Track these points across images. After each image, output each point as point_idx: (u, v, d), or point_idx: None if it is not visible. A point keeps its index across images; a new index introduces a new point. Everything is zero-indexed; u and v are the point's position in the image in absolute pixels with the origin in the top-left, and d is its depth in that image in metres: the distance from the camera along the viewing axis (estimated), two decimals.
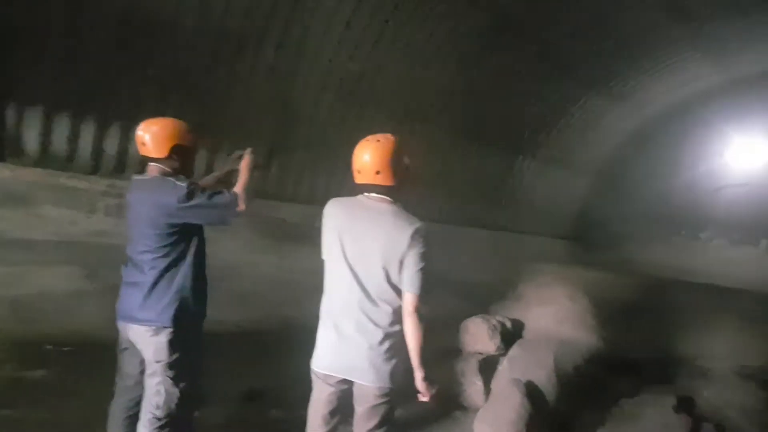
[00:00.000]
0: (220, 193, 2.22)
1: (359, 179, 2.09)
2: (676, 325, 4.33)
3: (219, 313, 4.72)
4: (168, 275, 2.24)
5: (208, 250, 2.47)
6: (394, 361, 2.04)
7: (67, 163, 5.00)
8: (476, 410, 3.65)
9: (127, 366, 2.42)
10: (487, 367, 4.00)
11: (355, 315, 2.05)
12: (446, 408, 3.88)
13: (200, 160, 5.17)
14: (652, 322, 4.34)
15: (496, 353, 4.11)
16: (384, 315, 2.03)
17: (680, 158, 10.58)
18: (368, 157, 2.03)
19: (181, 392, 2.27)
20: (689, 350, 4.14)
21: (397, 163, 2.04)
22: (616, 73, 8.51)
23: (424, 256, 2.00)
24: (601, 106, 9.31)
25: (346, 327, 2.06)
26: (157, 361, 2.25)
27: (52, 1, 4.34)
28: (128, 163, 5.19)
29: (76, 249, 4.93)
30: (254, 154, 2.39)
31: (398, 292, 2.03)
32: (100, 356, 2.79)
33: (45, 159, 4.84)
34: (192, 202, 2.16)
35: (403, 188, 2.09)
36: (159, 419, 2.25)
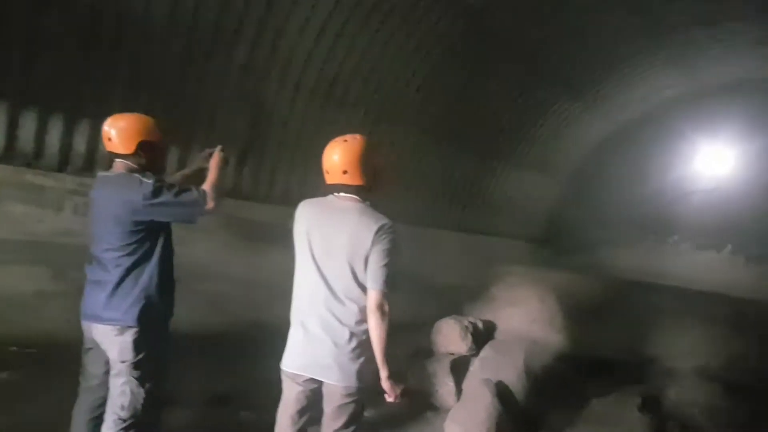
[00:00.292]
0: (187, 190, 2.20)
1: (328, 179, 2.11)
2: (643, 326, 4.44)
3: (191, 314, 4.67)
4: (133, 274, 2.21)
5: (180, 250, 2.44)
6: (361, 360, 2.04)
7: (34, 159, 4.87)
8: (448, 410, 3.68)
9: (91, 366, 2.37)
10: (459, 367, 4.04)
11: (321, 314, 2.05)
12: (418, 408, 3.90)
13: (172, 157, 5.10)
14: (620, 323, 4.44)
15: (468, 354, 4.15)
16: (350, 314, 2.04)
17: (650, 164, 10.87)
18: (336, 157, 2.05)
19: (146, 393, 2.24)
20: (655, 351, 4.25)
21: (365, 163, 2.05)
22: (589, 79, 8.70)
23: (389, 253, 2.01)
24: (575, 111, 9.51)
25: (313, 326, 2.07)
26: (122, 362, 2.21)
27: None
28: (98, 160, 5.08)
29: (43, 248, 4.80)
30: (224, 152, 2.37)
31: (365, 290, 2.04)
32: (65, 357, 2.73)
33: (10, 155, 4.71)
34: (158, 200, 2.13)
35: (373, 188, 2.11)
36: (124, 420, 2.22)
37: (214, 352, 4.25)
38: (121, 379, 2.22)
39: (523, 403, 3.73)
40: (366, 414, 3.69)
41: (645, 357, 4.22)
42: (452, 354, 4.15)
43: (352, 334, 2.03)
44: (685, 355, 4.18)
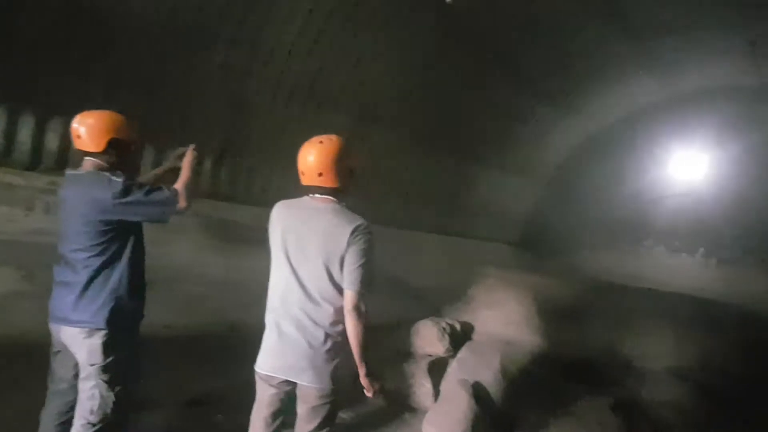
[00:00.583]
0: (158, 189, 2.16)
1: (304, 180, 2.10)
2: (617, 328, 4.52)
3: (167, 316, 4.61)
4: (103, 275, 2.16)
5: (156, 251, 2.40)
6: (335, 362, 2.04)
7: (4, 157, 4.74)
8: (425, 411, 3.69)
9: (59, 370, 2.32)
10: (437, 369, 4.06)
11: (295, 315, 2.05)
12: (395, 409, 3.91)
13: (147, 156, 5.01)
14: (594, 324, 4.51)
15: (446, 355, 4.17)
16: (325, 315, 2.03)
17: (625, 169, 11.09)
18: (311, 158, 2.04)
19: (116, 396, 2.19)
20: (629, 352, 4.33)
21: (340, 165, 2.05)
22: (566, 85, 8.84)
23: (365, 254, 2.01)
24: (552, 116, 9.65)
25: (287, 327, 2.06)
26: (91, 365, 2.16)
27: None
28: (71, 159, 4.97)
29: (13, 248, 4.68)
30: (197, 151, 2.34)
31: (340, 291, 2.04)
32: (34, 360, 2.65)
33: None
34: (128, 198, 2.09)
35: (348, 190, 2.11)
36: (93, 425, 2.17)
37: (190, 353, 4.19)
38: (90, 383, 2.17)
39: (499, 403, 3.76)
40: (343, 415, 3.70)
41: (618, 358, 4.29)
42: (430, 355, 4.17)
43: (326, 336, 2.03)
44: (658, 356, 4.27)
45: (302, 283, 2.04)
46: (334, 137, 2.10)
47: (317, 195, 2.10)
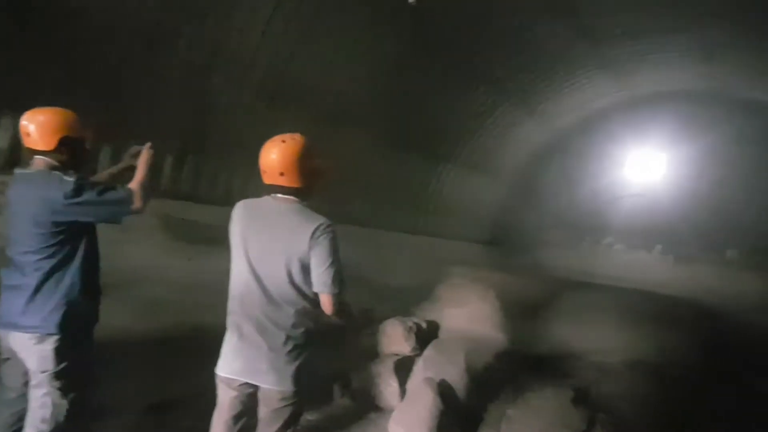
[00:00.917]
0: (112, 189, 2.10)
1: (265, 180, 2.07)
2: (577, 323, 4.64)
3: (127, 319, 4.47)
4: (54, 278, 2.08)
5: (114, 252, 2.33)
6: (297, 364, 2.02)
7: None
8: (392, 411, 3.70)
9: (8, 378, 2.22)
10: (404, 368, 4.08)
11: (256, 317, 2.02)
12: (362, 409, 3.91)
13: (105, 155, 4.85)
14: (556, 320, 4.63)
15: (412, 354, 4.20)
16: (286, 316, 2.01)
17: (586, 169, 11.41)
18: (274, 157, 2.02)
19: (70, 404, 2.12)
20: (588, 346, 4.45)
21: (303, 164, 2.03)
22: (530, 87, 9.03)
23: (330, 253, 1.99)
24: (517, 117, 9.84)
25: (248, 329, 2.03)
26: (42, 372, 2.08)
27: None
28: (24, 159, 4.76)
29: None
30: (153, 150, 2.28)
31: (302, 293, 2.02)
32: None
33: None
34: (80, 198, 2.02)
35: (311, 190, 2.09)
36: None
37: (151, 357, 4.08)
38: (42, 390, 2.09)
39: (464, 400, 3.80)
40: (309, 417, 3.68)
41: (578, 352, 4.41)
42: (396, 354, 4.19)
43: (288, 338, 2.01)
44: (616, 349, 4.40)
45: (263, 284, 2.01)
46: (297, 136, 2.08)
47: (279, 195, 2.07)
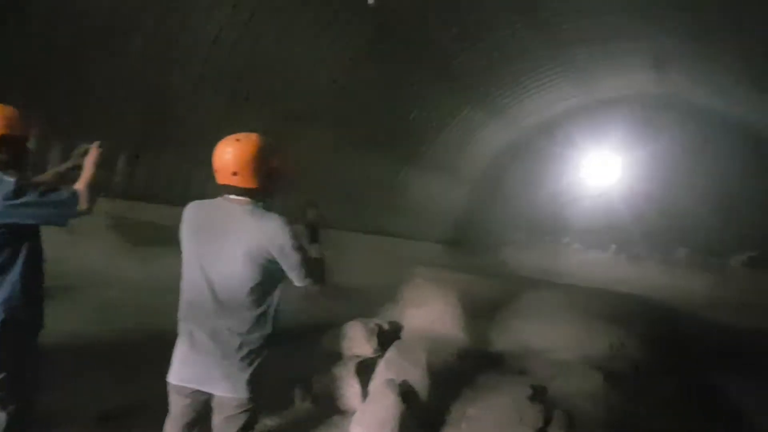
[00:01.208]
0: (55, 190, 2.00)
1: (218, 180, 2.01)
2: (535, 321, 4.75)
3: (79, 323, 4.30)
4: None
5: (64, 254, 2.24)
6: (252, 369, 1.98)
7: None
8: (354, 413, 3.69)
9: None
10: (366, 369, 4.06)
11: (209, 323, 1.96)
12: (324, 412, 3.88)
13: (54, 154, 4.63)
14: (514, 318, 4.73)
15: (374, 355, 4.19)
16: (241, 322, 1.96)
17: (546, 171, 11.71)
18: (227, 156, 1.96)
19: (9, 415, 2.01)
20: (545, 343, 4.56)
21: (258, 164, 1.98)
22: (493, 89, 9.18)
23: (295, 248, 1.97)
24: (480, 119, 9.99)
25: (200, 336, 1.97)
26: None
27: None
28: None
29: None
30: (101, 149, 2.19)
31: (258, 297, 1.98)
32: None
33: None
34: (21, 200, 1.91)
35: (267, 191, 2.04)
36: None
37: (104, 364, 3.94)
38: None
39: (426, 400, 3.82)
40: (269, 422, 3.62)
41: (536, 349, 4.51)
42: (358, 356, 4.17)
43: (242, 343, 1.96)
44: (571, 346, 4.52)
45: (216, 289, 1.96)
46: (253, 135, 2.03)
47: (232, 196, 2.02)
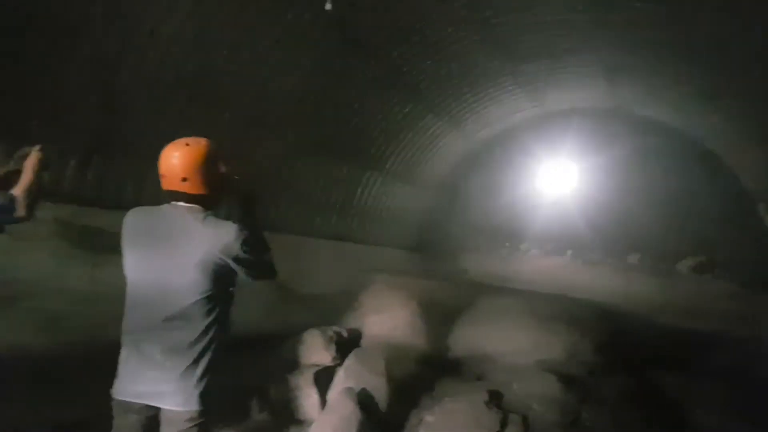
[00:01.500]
0: None
1: (165, 185, 1.95)
2: (493, 326, 4.84)
3: (21, 336, 4.07)
4: None
5: (8, 263, 2.11)
6: (204, 381, 1.92)
7: None
8: (312, 423, 3.65)
9: None
10: (324, 378, 4.03)
11: (159, 334, 1.90)
12: (281, 423, 3.81)
13: None
14: (473, 324, 4.79)
15: (333, 364, 4.16)
16: (193, 332, 1.91)
17: (504, 179, 11.98)
18: (175, 162, 1.91)
19: None
20: (501, 348, 4.64)
21: (207, 170, 1.93)
22: (452, 99, 9.33)
23: (253, 251, 1.96)
24: (441, 128, 10.12)
25: (149, 348, 1.90)
26: None
27: None
28: None
29: None
30: (42, 153, 2.09)
31: (212, 306, 1.93)
32: None
33: None
34: None
35: (217, 198, 2.00)
36: None
37: (51, 376, 3.76)
38: None
39: (385, 408, 3.82)
40: None
41: (493, 354, 4.59)
42: (317, 365, 4.13)
43: (194, 354, 1.90)
44: (527, 350, 4.62)
45: (167, 300, 1.89)
46: (202, 140, 1.98)
47: (180, 203, 1.96)
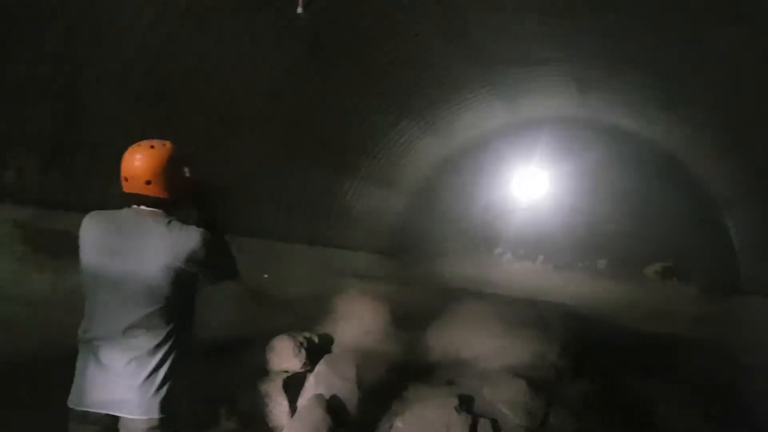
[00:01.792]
0: None
1: (127, 188, 1.90)
2: (464, 331, 4.86)
3: None
4: None
5: None
6: (165, 389, 1.88)
7: None
8: (281, 431, 3.61)
9: None
10: (294, 385, 4.00)
11: (121, 342, 1.85)
12: (250, 431, 3.76)
13: None
14: (444, 329, 4.81)
15: (303, 370, 4.13)
16: (155, 339, 1.87)
17: (479, 184, 12.11)
18: (139, 164, 1.87)
19: None
20: (473, 353, 4.67)
21: (172, 173, 1.90)
22: (427, 105, 9.39)
23: (218, 253, 1.97)
24: (415, 134, 10.17)
25: (109, 355, 1.85)
26: None
27: None
28: None
29: None
30: None
31: (176, 312, 1.90)
32: None
33: None
34: None
35: (181, 202, 1.97)
36: None
37: (9, 387, 3.61)
38: None
39: (355, 415, 3.80)
40: None
41: (464, 359, 4.62)
42: (286, 371, 4.09)
43: (154, 361, 1.86)
44: (497, 355, 4.66)
45: (129, 307, 1.85)
46: (167, 143, 1.95)
47: (143, 207, 1.92)
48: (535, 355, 4.96)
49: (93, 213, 1.98)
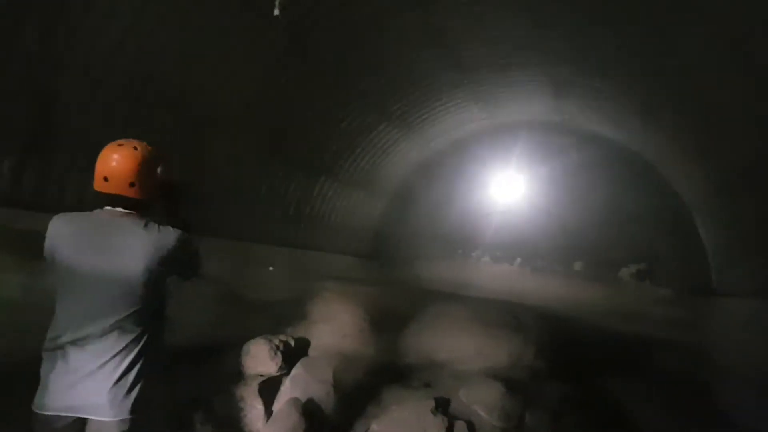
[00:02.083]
0: None
1: (107, 188, 1.87)
2: (441, 334, 4.90)
3: None
4: None
5: None
6: (137, 390, 1.87)
7: None
8: None
9: None
10: (270, 389, 3.96)
11: (93, 345, 1.83)
12: None
13: None
14: (422, 331, 4.83)
15: (279, 374, 4.10)
16: (127, 340, 1.86)
17: (457, 188, 12.20)
18: (123, 165, 1.85)
19: None
20: (450, 355, 4.71)
21: (152, 174, 1.91)
22: (405, 109, 9.44)
23: (193, 255, 2.02)
24: (393, 137, 10.22)
25: (81, 360, 1.83)
26: None
27: None
28: None
29: None
30: None
31: (148, 315, 1.90)
32: None
33: None
34: None
35: (155, 204, 1.96)
36: None
37: None
38: None
39: (332, 418, 3.80)
40: None
41: (441, 362, 4.65)
42: (262, 375, 4.05)
43: (125, 364, 1.85)
44: (474, 357, 4.71)
45: (103, 310, 1.84)
46: (141, 144, 1.94)
47: (118, 209, 1.90)
48: (512, 356, 5.03)
49: (60, 215, 1.95)
